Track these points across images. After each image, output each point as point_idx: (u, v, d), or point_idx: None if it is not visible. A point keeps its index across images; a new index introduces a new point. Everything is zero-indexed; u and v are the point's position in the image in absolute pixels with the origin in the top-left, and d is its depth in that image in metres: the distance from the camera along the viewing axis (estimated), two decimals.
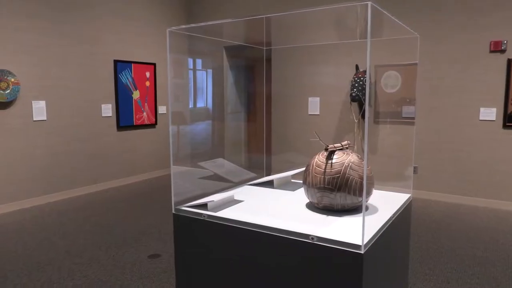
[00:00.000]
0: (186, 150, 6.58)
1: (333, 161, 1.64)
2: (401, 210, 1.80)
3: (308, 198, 1.74)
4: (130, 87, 6.21)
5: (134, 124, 6.33)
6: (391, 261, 1.75)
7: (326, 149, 1.69)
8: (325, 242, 1.38)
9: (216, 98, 7.20)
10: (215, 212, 1.71)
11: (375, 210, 1.75)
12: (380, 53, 5.26)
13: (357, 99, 5.10)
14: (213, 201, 1.73)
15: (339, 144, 1.73)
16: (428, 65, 5.15)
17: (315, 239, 1.40)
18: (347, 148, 1.76)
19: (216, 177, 2.32)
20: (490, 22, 4.82)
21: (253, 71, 7.25)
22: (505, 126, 4.84)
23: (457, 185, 5.17)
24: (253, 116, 7.31)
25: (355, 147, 5.36)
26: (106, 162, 6.00)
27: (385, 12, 1.35)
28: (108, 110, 5.94)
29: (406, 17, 5.10)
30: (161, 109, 6.79)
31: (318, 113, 6.03)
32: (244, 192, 2.08)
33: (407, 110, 5.32)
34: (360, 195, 1.61)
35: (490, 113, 4.93)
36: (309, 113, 6.12)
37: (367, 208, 1.73)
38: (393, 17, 1.50)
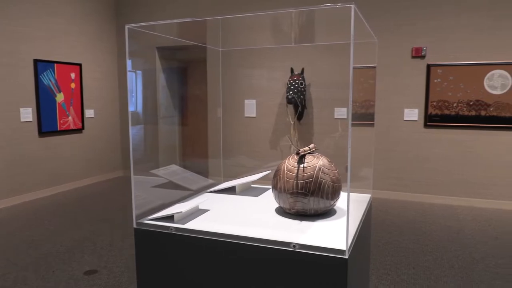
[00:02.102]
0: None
1: (305, 165, 1.63)
2: (366, 211, 1.85)
3: (279, 204, 1.71)
4: (53, 89, 5.68)
5: (58, 129, 5.80)
6: (362, 261, 1.79)
7: (297, 153, 1.67)
8: (308, 249, 1.35)
9: (147, 101, 6.89)
10: (183, 224, 1.61)
11: (345, 212, 1.76)
12: (316, 56, 5.44)
13: (293, 101, 5.21)
14: (181, 212, 1.62)
15: (307, 148, 1.72)
16: (359, 69, 5.43)
17: (297, 246, 1.37)
18: (313, 151, 1.76)
19: (170, 185, 2.19)
20: (413, 30, 5.23)
21: (186, 72, 7.07)
22: (426, 125, 5.29)
23: (387, 181, 5.53)
24: (187, 120, 7.13)
25: (292, 148, 5.47)
26: (27, 171, 5.42)
27: (362, 18, 1.37)
28: (28, 114, 5.37)
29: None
30: (88, 113, 6.32)
31: (255, 115, 6.07)
32: (206, 200, 1.99)
33: (339, 112, 5.57)
34: (333, 198, 1.62)
35: (413, 114, 5.36)
36: (246, 115, 6.13)
37: (336, 211, 1.75)
38: (367, 25, 1.54)
